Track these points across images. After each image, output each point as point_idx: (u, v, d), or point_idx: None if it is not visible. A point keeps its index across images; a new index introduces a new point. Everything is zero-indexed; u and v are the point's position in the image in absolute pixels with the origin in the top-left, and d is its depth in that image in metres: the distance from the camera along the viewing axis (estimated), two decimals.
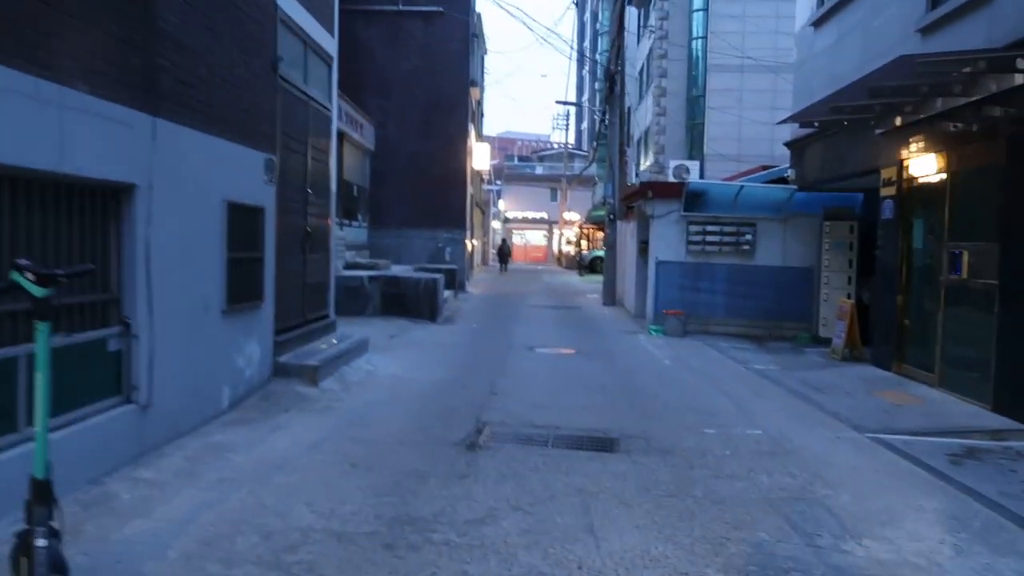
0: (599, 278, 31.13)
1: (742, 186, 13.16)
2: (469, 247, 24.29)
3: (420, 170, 21.34)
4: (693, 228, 13.57)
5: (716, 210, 13.60)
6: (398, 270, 16.05)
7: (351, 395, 7.14)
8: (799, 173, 12.83)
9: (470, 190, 24.22)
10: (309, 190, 8.05)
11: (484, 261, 45.67)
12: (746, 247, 13.52)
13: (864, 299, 12.44)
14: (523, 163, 70.87)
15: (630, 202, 15.61)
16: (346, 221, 17.23)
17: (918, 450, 5.98)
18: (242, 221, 6.16)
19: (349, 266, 15.04)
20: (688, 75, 30.58)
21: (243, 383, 6.32)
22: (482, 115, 35.95)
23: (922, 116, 8.15)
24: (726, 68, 28.62)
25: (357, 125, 17.48)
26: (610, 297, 19.03)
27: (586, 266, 36.46)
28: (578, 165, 52.01)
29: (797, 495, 4.87)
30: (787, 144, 13.15)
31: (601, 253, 38.70)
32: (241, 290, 6.16)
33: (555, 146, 69.02)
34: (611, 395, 7.90)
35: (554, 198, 58.86)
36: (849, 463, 5.65)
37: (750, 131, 28.07)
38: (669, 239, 13.66)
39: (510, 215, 61.93)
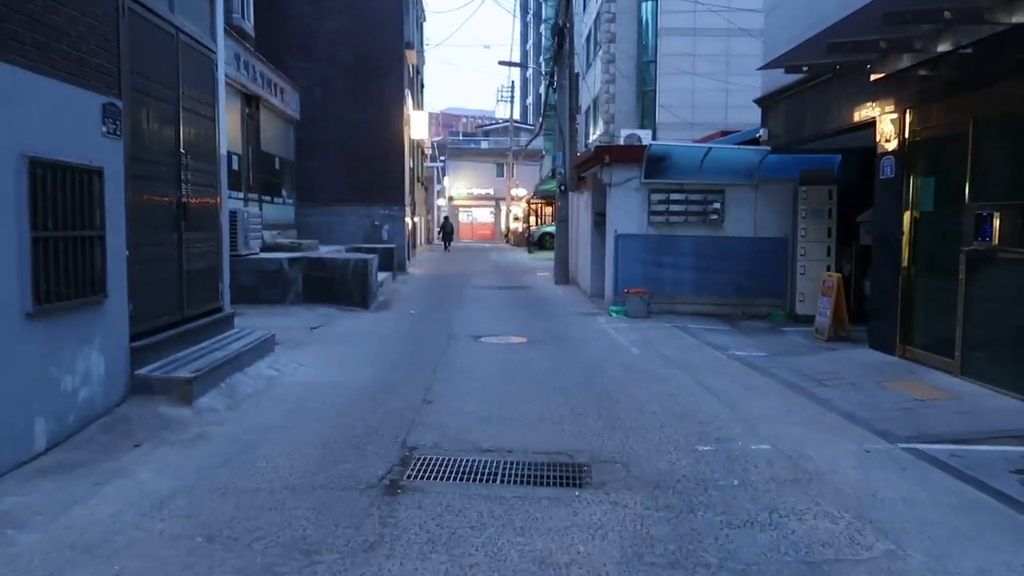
0: (549, 255, 29.67)
1: (709, 148, 11.76)
2: (410, 225, 22.53)
3: (352, 141, 19.46)
4: (656, 197, 12.12)
5: (681, 176, 12.17)
6: (326, 251, 14.26)
7: (238, 416, 5.46)
8: (772, 132, 11.47)
9: (409, 163, 22.40)
10: (184, 152, 6.26)
11: (429, 240, 43.83)
12: (714, 217, 12.15)
13: (844, 272, 11.22)
14: (468, 139, 68.85)
15: (583, 170, 14.12)
16: (267, 197, 15.32)
17: (974, 466, 4.63)
18: (63, 186, 4.40)
19: (268, 247, 13.20)
20: (638, 40, 29.15)
21: (74, 410, 4.60)
22: (422, 86, 33.97)
23: (942, 50, 6.78)
24: (678, 32, 27.26)
25: (276, 90, 15.52)
26: (563, 275, 17.56)
27: (535, 243, 34.98)
28: (524, 139, 50.35)
29: (850, 555, 3.43)
30: (758, 101, 11.77)
31: (551, 229, 37.21)
32: (64, 282, 4.42)
33: (499, 122, 67.18)
34: (574, 398, 6.39)
35: (500, 174, 57.14)
36: (897, 493, 4.25)
37: (705, 98, 26.83)
38: (629, 210, 12.19)
39: (455, 192, 60.03)
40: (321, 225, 19.35)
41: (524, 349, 8.87)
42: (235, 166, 13.28)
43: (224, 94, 7.12)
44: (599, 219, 14.24)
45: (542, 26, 56.71)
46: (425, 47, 36.47)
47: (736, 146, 12.32)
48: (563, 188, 17.44)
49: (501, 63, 63.78)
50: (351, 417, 5.59)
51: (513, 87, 54.05)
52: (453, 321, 11.18)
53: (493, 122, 71.30)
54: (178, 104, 6.18)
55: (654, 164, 12.06)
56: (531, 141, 39.55)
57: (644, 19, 29.25)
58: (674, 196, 12.16)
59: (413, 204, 27.78)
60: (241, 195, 13.54)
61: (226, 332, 7.03)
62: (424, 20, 32.79)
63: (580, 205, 16.92)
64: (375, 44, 19.42)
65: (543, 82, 58.66)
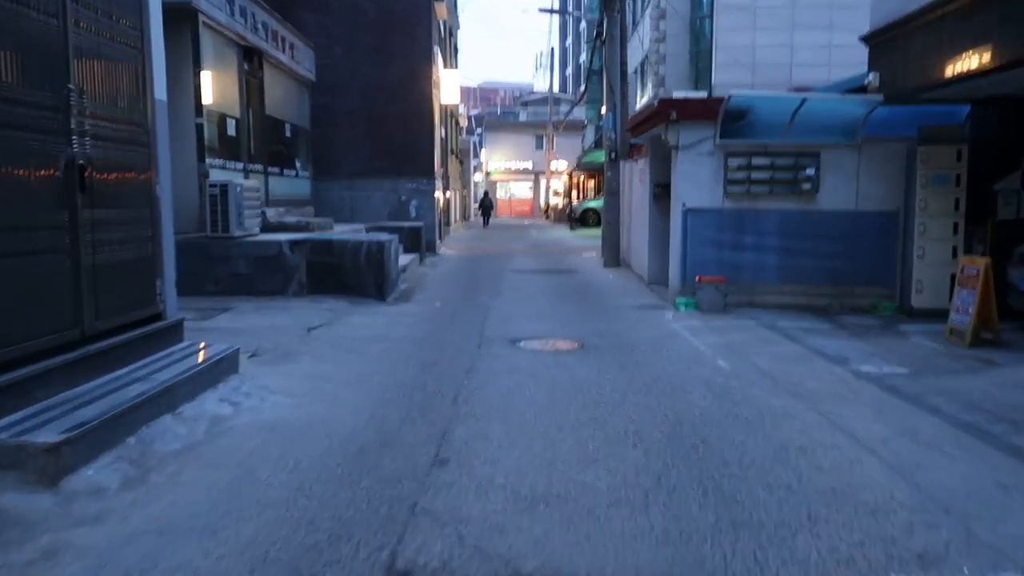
0: (594, 232, 27.41)
1: (804, 99, 9.41)
2: (441, 200, 20.50)
3: (377, 106, 17.44)
4: (734, 162, 9.84)
5: (765, 136, 9.86)
6: (340, 231, 12.31)
7: (136, 502, 3.47)
8: (886, 77, 9.08)
9: (440, 132, 20.31)
10: (74, 88, 4.23)
11: (465, 216, 41.97)
12: (806, 186, 9.83)
13: (977, 255, 8.87)
14: (506, 112, 66.46)
15: (640, 132, 11.88)
16: (274, 169, 13.39)
17: None
18: None
19: (271, 227, 11.28)
20: None
21: None
22: (456, 50, 31.75)
23: None
24: None
25: (285, 45, 13.52)
26: (612, 257, 15.36)
27: (577, 219, 32.72)
28: (564, 111, 47.92)
29: None
30: (867, 37, 9.37)
31: (595, 204, 34.90)
32: None
33: (538, 93, 64.53)
34: (658, 455, 4.30)
35: (540, 146, 54.73)
36: None
37: (766, 55, 24.08)
38: (700, 179, 9.94)
39: (493, 167, 57.86)
40: (343, 201, 17.45)
41: (576, 361, 6.77)
42: (231, 131, 11.35)
43: (159, 15, 5.08)
44: (659, 191, 12.00)
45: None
46: (460, 8, 34.26)
47: (839, 95, 9.93)
48: (613, 156, 15.18)
49: (542, 10, 60.84)
50: (316, 499, 3.58)
51: (553, 54, 51.35)
52: (487, 317, 9.13)
53: (531, 94, 68.65)
54: (63, 13, 4.14)
55: (733, 121, 9.76)
56: (572, 109, 37.14)
57: None
58: (757, 161, 9.86)
59: (446, 178, 25.72)
60: (240, 165, 11.62)
61: (166, 349, 5.07)
62: None
63: (633, 175, 14.66)
64: None
65: (584, 50, 55.82)
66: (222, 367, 5.18)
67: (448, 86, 18.11)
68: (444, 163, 24.28)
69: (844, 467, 4.12)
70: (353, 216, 17.37)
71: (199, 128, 10.05)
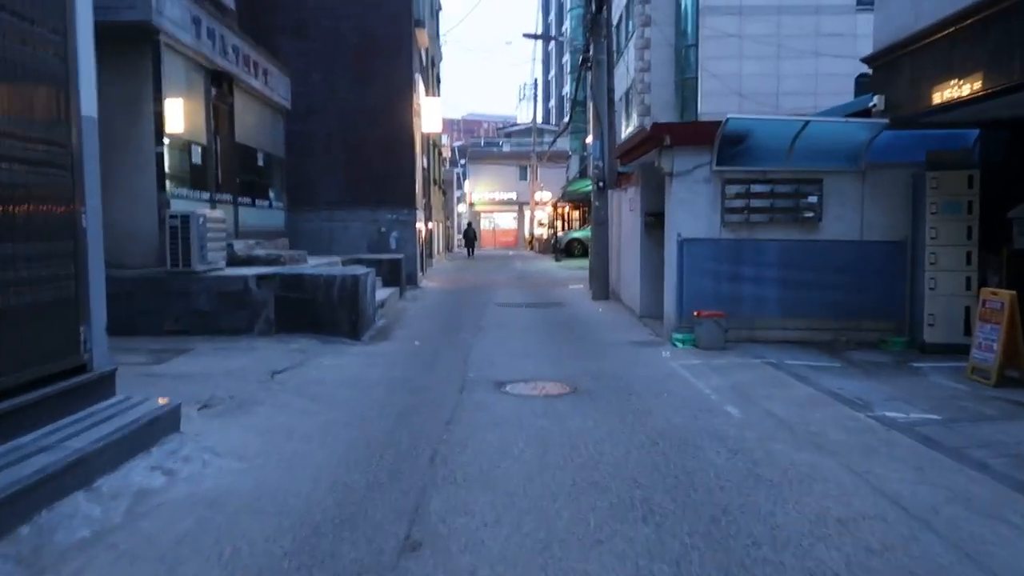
0: (580, 263, 26.84)
1: (806, 122, 8.89)
2: (423, 231, 19.86)
3: (355, 134, 16.84)
4: (732, 190, 9.28)
5: (765, 161, 9.32)
6: (313, 265, 11.60)
7: None
8: (892, 100, 8.58)
9: (422, 161, 19.74)
10: None
11: (449, 247, 41.43)
12: (809, 214, 9.27)
13: (992, 286, 8.31)
14: (489, 144, 66.33)
15: (631, 159, 11.33)
16: (245, 199, 12.70)
17: None
18: None
19: (238, 261, 10.55)
20: (677, 22, 26.27)
21: None
22: (438, 80, 31.38)
23: None
24: (722, 10, 24.35)
25: (257, 70, 12.91)
26: (601, 289, 14.73)
27: (562, 250, 32.17)
28: (548, 141, 47.73)
29: None
30: (871, 58, 8.89)
31: (580, 234, 34.40)
32: None
33: (521, 124, 64.46)
34: (674, 534, 3.59)
35: (523, 177, 54.44)
36: None
37: (753, 84, 23.88)
38: (697, 207, 9.35)
39: (476, 198, 57.47)
40: (320, 232, 16.76)
41: (569, 409, 6.06)
42: (197, 159, 10.67)
43: (89, 19, 4.40)
44: (652, 220, 11.42)
45: (563, 31, 54.03)
46: (443, 40, 33.99)
47: (842, 119, 9.42)
48: (601, 184, 14.63)
49: (526, 35, 61.29)
50: None
51: (536, 85, 51.27)
52: (469, 356, 8.43)
53: (514, 125, 68.59)
54: None
55: (730, 146, 9.21)
56: (556, 139, 36.87)
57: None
58: (756, 188, 9.31)
59: (428, 208, 25.13)
60: (206, 195, 10.91)
61: (91, 407, 4.32)
62: (439, 8, 30.23)
63: (623, 205, 14.10)
64: (380, 20, 16.77)
65: (568, 81, 55.86)
66: (159, 426, 4.43)
67: (430, 114, 17.58)
68: (426, 193, 23.69)
69: (898, 546, 3.43)
70: (331, 248, 16.67)
71: (159, 156, 9.36)
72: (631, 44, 28.68)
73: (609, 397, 6.46)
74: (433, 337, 9.95)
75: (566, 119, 39.23)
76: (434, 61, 28.38)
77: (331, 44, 16.68)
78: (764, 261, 9.32)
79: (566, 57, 57.09)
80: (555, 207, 41.41)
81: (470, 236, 40.92)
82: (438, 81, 31.69)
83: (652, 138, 9.46)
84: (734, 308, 9.22)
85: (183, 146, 10.29)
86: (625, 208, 13.78)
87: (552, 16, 70.25)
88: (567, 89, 56.08)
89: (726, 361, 8.16)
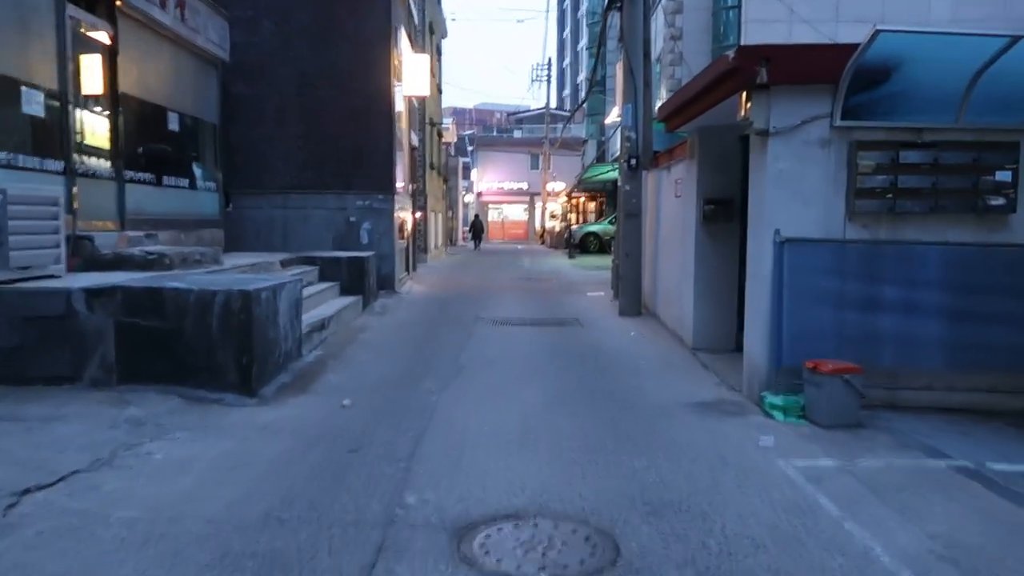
0: (597, 262, 23.15)
1: (1013, 39, 5.23)
2: (409, 222, 16.27)
3: (317, 99, 13.26)
4: (868, 159, 5.63)
5: (922, 114, 5.67)
6: (231, 267, 8.05)
7: None
8: None
9: (408, 135, 16.11)
10: None
11: (452, 240, 37.95)
12: (997, 202, 5.63)
13: None
14: (500, 131, 62.68)
15: (686, 118, 7.65)
16: (146, 176, 9.15)
17: None
18: None
19: (100, 263, 7.03)
20: None
21: None
22: (439, 51, 27.74)
23: None
24: None
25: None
26: (632, 303, 11.08)
27: (576, 245, 28.53)
28: (563, 127, 44.08)
29: None
30: None
31: (597, 227, 30.69)
32: None
33: (533, 110, 60.70)
34: None
35: (535, 166, 50.83)
36: None
37: None
38: (806, 188, 5.72)
39: (484, 187, 53.90)
40: (272, 223, 13.22)
41: None
42: (35, 110, 7.11)
43: None
44: (713, 210, 7.84)
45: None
46: (451, 16, 30.44)
47: None
48: (632, 163, 10.97)
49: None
50: None
51: (550, 65, 47.49)
52: (423, 440, 4.84)
53: (526, 112, 64.79)
54: None
55: (866, 87, 5.56)
56: (572, 116, 33.20)
57: None
58: (907, 157, 5.66)
59: (419, 195, 21.53)
60: (57, 165, 7.35)
61: None
62: None
63: (663, 189, 10.45)
64: None
65: (583, 68, 51.99)
66: None
67: (414, 74, 13.95)
68: (417, 177, 20.10)
69: None
70: (286, 243, 13.12)
71: None
72: (659, 8, 24.91)
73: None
74: (378, 389, 6.34)
75: (584, 93, 35.54)
76: (432, 28, 24.76)
77: None
78: (918, 278, 5.67)
79: (582, 42, 53.27)
80: (569, 197, 37.74)
81: (477, 228, 38.13)
82: (439, 52, 28.07)
83: (735, 73, 5.79)
84: (868, 353, 5.58)
85: (7, 88, 6.74)
86: (667, 193, 10.13)
87: (567, 1, 66.34)
88: (582, 77, 52.31)
89: (879, 463, 4.53)
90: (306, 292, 9.23)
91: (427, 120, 23.29)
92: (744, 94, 5.81)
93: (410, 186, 17.20)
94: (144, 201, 9.12)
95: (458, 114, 68.14)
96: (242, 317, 5.69)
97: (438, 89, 27.72)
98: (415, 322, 10.22)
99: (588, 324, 10.26)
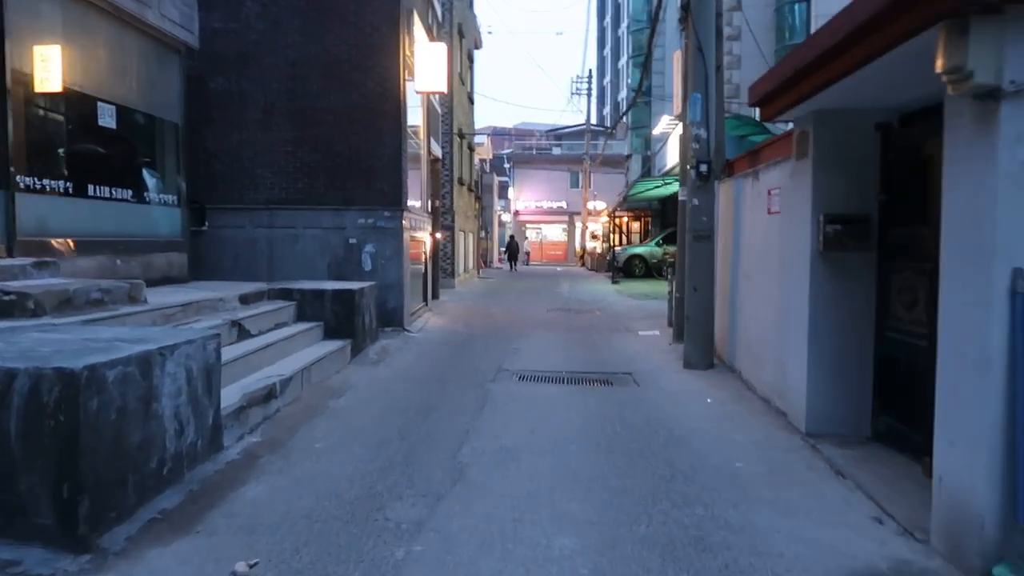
0: (643, 288, 20.49)
1: None
2: (428, 244, 13.90)
3: (310, 97, 11.02)
4: None
5: None
6: (156, 305, 5.69)
7: None
8: None
9: (426, 141, 13.77)
10: None
11: (487, 262, 35.77)
12: None
13: None
14: (539, 150, 60.44)
15: (799, 96, 5.14)
16: (51, 184, 6.91)
17: None
18: None
19: None
20: None
21: None
22: (471, 60, 25.57)
23: None
24: None
25: None
26: (702, 350, 8.45)
27: (620, 268, 25.91)
28: (602, 147, 41.71)
29: None
30: None
31: (642, 250, 28.01)
32: None
33: (572, 127, 58.33)
34: None
35: (575, 184, 48.50)
36: None
37: None
38: None
39: (522, 206, 51.69)
40: (255, 244, 10.96)
41: None
42: None
43: None
44: (838, 234, 5.26)
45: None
46: (488, 30, 28.31)
47: None
48: (704, 170, 8.42)
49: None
50: None
51: (591, 77, 45.09)
52: None
53: (565, 127, 62.50)
54: None
55: None
56: (618, 121, 30.77)
57: None
58: None
59: (448, 213, 19.19)
60: None
61: None
62: None
63: (748, 202, 7.85)
64: None
65: (624, 84, 49.50)
66: None
67: (429, 66, 11.60)
68: (441, 194, 17.79)
69: None
70: (271, 269, 10.86)
71: None
72: None
73: None
74: (318, 524, 3.84)
75: (623, 110, 33.05)
76: (462, 31, 22.58)
77: None
78: None
79: (623, 60, 50.85)
80: (611, 217, 35.15)
81: (513, 249, 36.17)
82: (471, 60, 25.91)
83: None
84: None
85: None
86: (752, 209, 7.55)
87: (608, 18, 64.12)
88: (623, 94, 49.84)
89: None
90: (271, 338, 6.90)
91: (456, 131, 21.04)
92: (946, 26, 3.24)
93: (430, 202, 14.85)
94: (51, 217, 6.86)
95: (498, 133, 66.22)
96: (61, 417, 3.28)
97: (469, 99, 25.51)
98: (415, 377, 7.73)
99: (646, 381, 7.68)
